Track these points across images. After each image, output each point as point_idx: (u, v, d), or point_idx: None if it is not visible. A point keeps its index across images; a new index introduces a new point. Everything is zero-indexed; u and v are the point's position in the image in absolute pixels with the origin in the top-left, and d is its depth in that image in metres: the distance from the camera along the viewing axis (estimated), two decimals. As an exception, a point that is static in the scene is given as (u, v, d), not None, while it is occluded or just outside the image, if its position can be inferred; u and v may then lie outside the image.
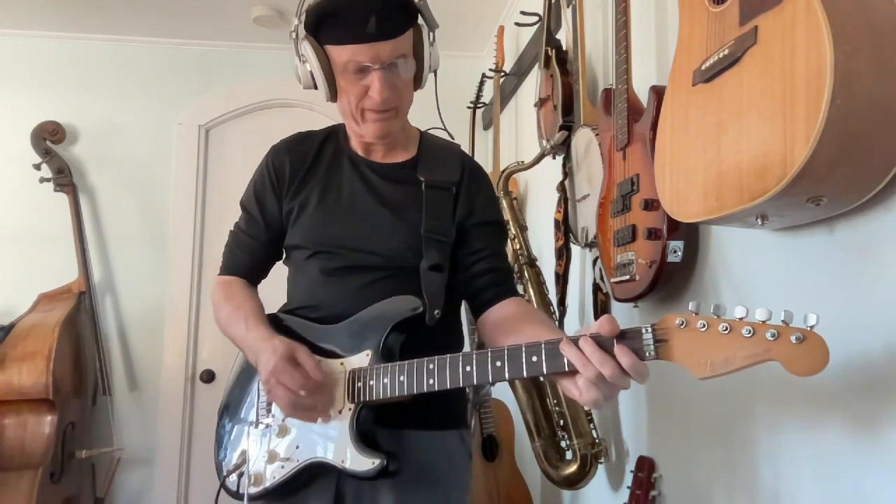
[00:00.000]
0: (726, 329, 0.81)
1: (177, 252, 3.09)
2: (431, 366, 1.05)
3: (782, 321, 0.78)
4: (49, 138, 2.93)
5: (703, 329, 0.82)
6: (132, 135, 3.11)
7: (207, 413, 3.03)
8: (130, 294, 3.04)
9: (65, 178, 2.92)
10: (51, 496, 2.43)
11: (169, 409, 3.00)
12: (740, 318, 0.80)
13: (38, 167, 2.90)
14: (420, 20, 1.22)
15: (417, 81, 1.26)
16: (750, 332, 0.79)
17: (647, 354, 0.86)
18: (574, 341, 0.91)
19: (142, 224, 3.08)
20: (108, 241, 3.05)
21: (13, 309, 2.76)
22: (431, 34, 1.25)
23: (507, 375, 0.98)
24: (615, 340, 0.89)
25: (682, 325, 0.84)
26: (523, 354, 0.96)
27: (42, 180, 2.90)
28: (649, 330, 0.87)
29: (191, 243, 3.09)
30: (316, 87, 1.24)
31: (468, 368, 1.02)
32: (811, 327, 0.76)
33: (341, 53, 1.17)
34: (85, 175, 3.06)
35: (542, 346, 0.95)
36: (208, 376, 3.06)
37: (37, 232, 2.99)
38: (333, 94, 1.23)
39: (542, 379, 1.81)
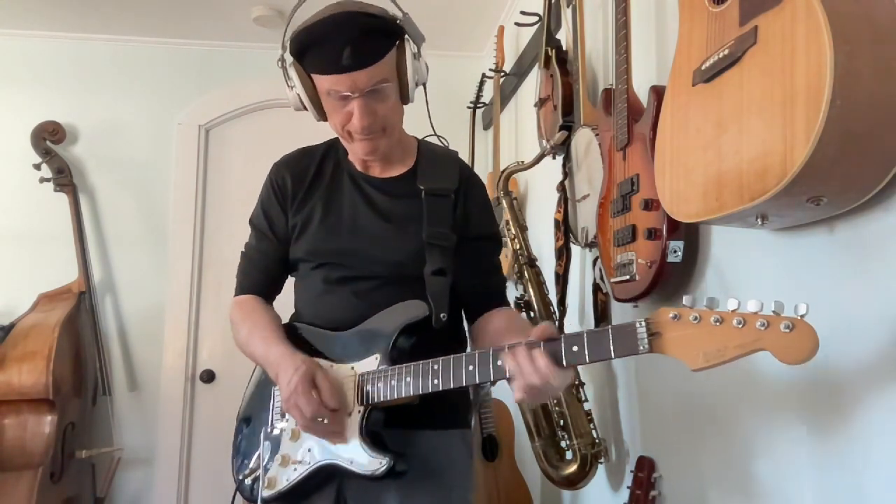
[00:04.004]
0: (718, 321, 0.82)
1: (177, 252, 3.08)
2: (436, 366, 1.08)
3: (773, 311, 0.79)
4: (49, 138, 2.92)
5: (696, 321, 0.83)
6: (132, 135, 3.11)
7: (207, 413, 3.04)
8: (130, 294, 3.04)
9: (65, 178, 2.92)
10: (51, 496, 2.43)
11: (169, 409, 3.00)
12: (732, 310, 0.81)
13: (38, 167, 2.90)
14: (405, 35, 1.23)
15: (403, 98, 1.26)
16: (741, 322, 0.80)
17: (642, 347, 0.87)
18: (511, 350, 1.00)
19: (142, 224, 3.08)
20: (108, 241, 3.05)
21: (13, 309, 2.76)
22: (417, 48, 1.24)
23: (507, 374, 1.02)
24: (541, 344, 0.97)
25: (675, 318, 0.85)
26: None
27: (42, 180, 2.90)
28: (643, 324, 0.87)
29: (191, 243, 3.09)
30: (306, 109, 1.27)
31: (470, 367, 1.04)
32: (801, 316, 0.76)
33: (322, 82, 1.19)
34: (85, 175, 3.06)
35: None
36: (208, 376, 3.06)
37: (37, 232, 2.98)
38: (322, 116, 1.26)
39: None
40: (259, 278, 1.37)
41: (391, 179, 1.33)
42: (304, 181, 1.34)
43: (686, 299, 0.85)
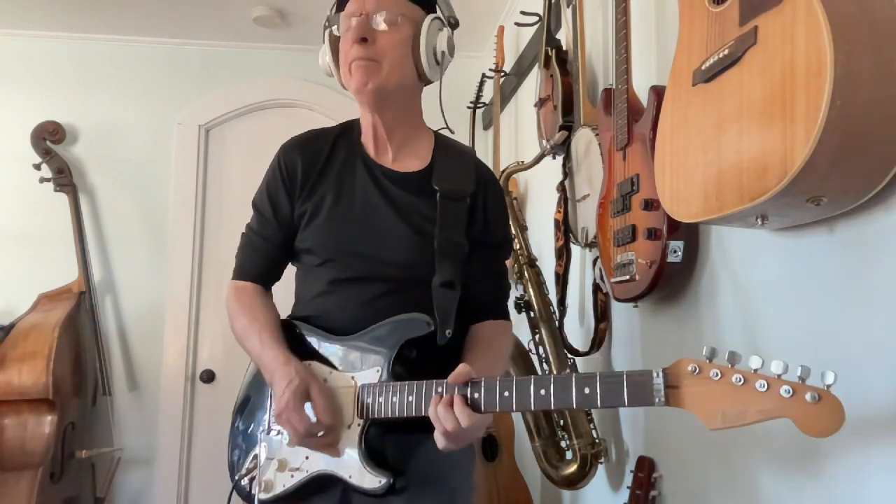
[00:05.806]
0: (740, 381, 0.78)
1: (177, 252, 3.09)
2: (440, 389, 1.04)
3: (798, 377, 0.75)
4: (49, 138, 2.93)
5: (717, 378, 0.80)
6: (132, 135, 3.11)
7: (207, 413, 3.04)
8: (130, 294, 3.04)
9: (65, 178, 2.92)
10: (51, 496, 2.43)
11: (169, 409, 3.00)
12: (755, 370, 0.77)
13: (38, 167, 2.90)
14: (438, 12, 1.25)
15: (416, 60, 1.22)
16: (764, 386, 0.76)
17: (658, 400, 0.84)
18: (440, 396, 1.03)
19: (142, 224, 3.08)
20: (108, 241, 3.06)
21: (13, 309, 2.76)
22: (445, 26, 1.25)
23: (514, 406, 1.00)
24: (456, 390, 1.00)
25: (694, 371, 0.82)
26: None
27: (42, 180, 2.90)
28: (660, 374, 0.84)
29: (191, 243, 3.09)
30: (332, 76, 1.29)
31: (476, 396, 1.01)
32: (828, 387, 0.73)
33: (343, 21, 1.23)
34: (85, 175, 3.06)
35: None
36: (208, 376, 3.06)
37: (37, 232, 2.99)
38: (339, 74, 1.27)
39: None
40: (260, 264, 1.32)
41: (407, 174, 1.28)
42: (316, 166, 1.28)
43: (706, 350, 0.81)
